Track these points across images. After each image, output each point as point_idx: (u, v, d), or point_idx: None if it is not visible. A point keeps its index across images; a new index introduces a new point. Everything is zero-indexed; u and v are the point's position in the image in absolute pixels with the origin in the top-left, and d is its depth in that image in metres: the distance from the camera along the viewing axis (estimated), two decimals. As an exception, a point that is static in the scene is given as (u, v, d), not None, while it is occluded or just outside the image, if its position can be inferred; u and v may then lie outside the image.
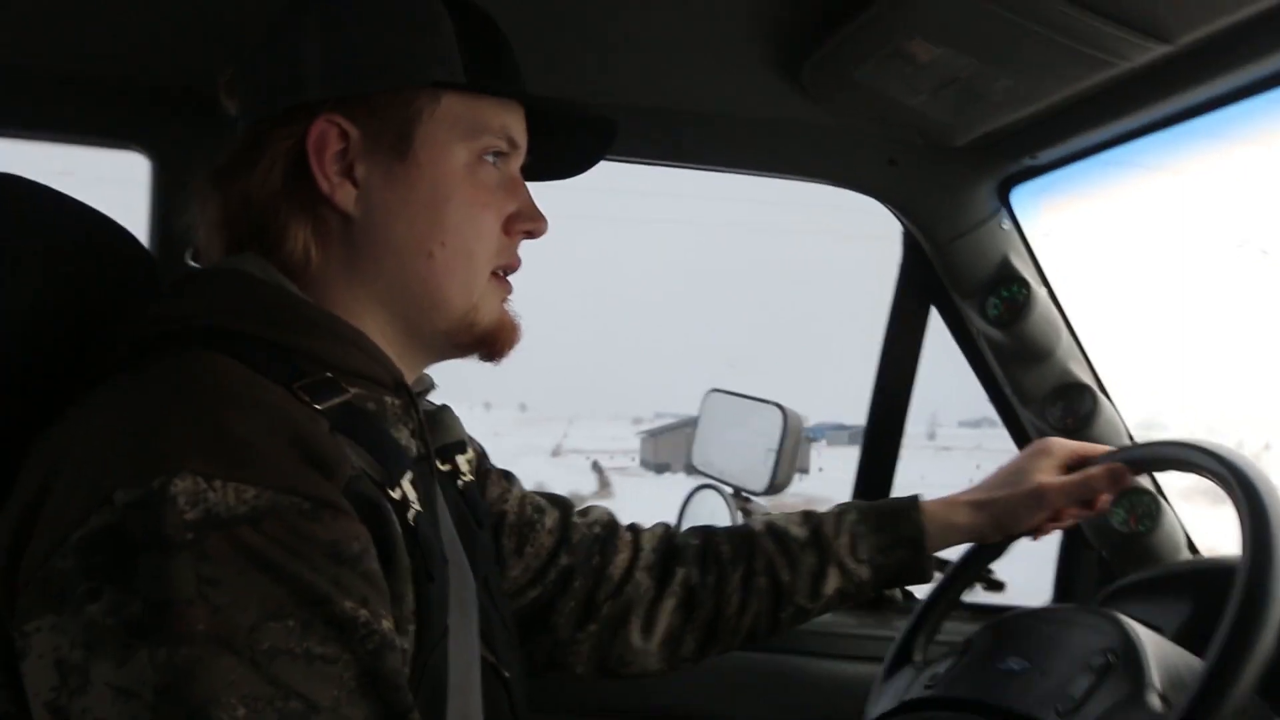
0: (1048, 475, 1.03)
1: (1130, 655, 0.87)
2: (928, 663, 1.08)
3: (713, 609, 1.01)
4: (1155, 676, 0.84)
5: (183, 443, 0.56)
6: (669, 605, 1.01)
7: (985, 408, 1.53)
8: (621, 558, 1.02)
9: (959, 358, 1.53)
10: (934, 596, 1.13)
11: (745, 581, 1.02)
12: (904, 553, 1.02)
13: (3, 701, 0.57)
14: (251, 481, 0.56)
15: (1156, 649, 0.89)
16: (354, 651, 0.56)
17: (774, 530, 1.04)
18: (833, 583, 1.02)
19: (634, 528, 1.06)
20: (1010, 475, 1.04)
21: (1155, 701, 0.82)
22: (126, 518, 0.54)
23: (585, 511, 1.06)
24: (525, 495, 1.02)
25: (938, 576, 1.11)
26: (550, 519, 1.01)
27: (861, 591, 1.03)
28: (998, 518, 1.03)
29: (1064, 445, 1.05)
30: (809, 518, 1.05)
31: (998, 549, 1.10)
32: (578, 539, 1.01)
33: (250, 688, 0.52)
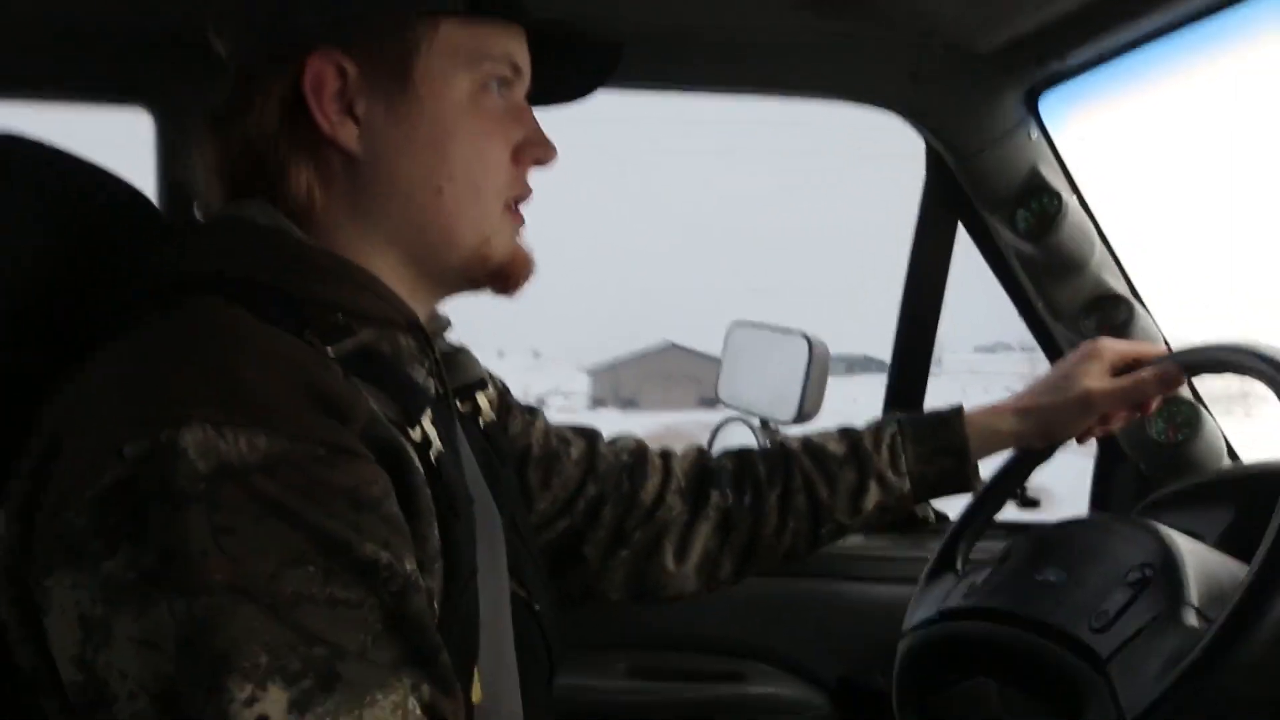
0: (1096, 380, 1.00)
1: (1168, 569, 0.86)
2: (967, 571, 1.07)
3: (750, 530, 1.01)
4: (1193, 591, 0.83)
5: (190, 393, 0.55)
6: (704, 529, 1.00)
7: (999, 332, 1.50)
8: (652, 483, 1.01)
9: (973, 280, 1.50)
10: (977, 502, 1.12)
11: (783, 501, 1.01)
12: (947, 461, 1.01)
13: (28, 654, 0.57)
14: (264, 429, 0.54)
15: (1196, 559, 0.87)
16: (378, 595, 0.55)
17: (811, 448, 1.03)
18: (873, 497, 1.01)
19: (665, 452, 1.05)
20: (1057, 380, 1.02)
21: (1191, 618, 0.81)
22: (137, 471, 0.53)
23: (613, 440, 1.05)
24: (550, 428, 1.01)
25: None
26: (576, 449, 1.00)
27: (903, 504, 1.02)
28: (1044, 424, 1.01)
29: (1113, 347, 1.03)
30: (846, 433, 1.04)
31: (1043, 455, 1.08)
32: (604, 468, 1.00)
33: (272, 635, 0.51)
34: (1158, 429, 1.39)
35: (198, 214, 0.81)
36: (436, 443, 0.68)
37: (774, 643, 1.48)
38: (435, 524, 0.65)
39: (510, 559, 0.77)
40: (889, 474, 1.00)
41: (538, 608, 0.81)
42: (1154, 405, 1.01)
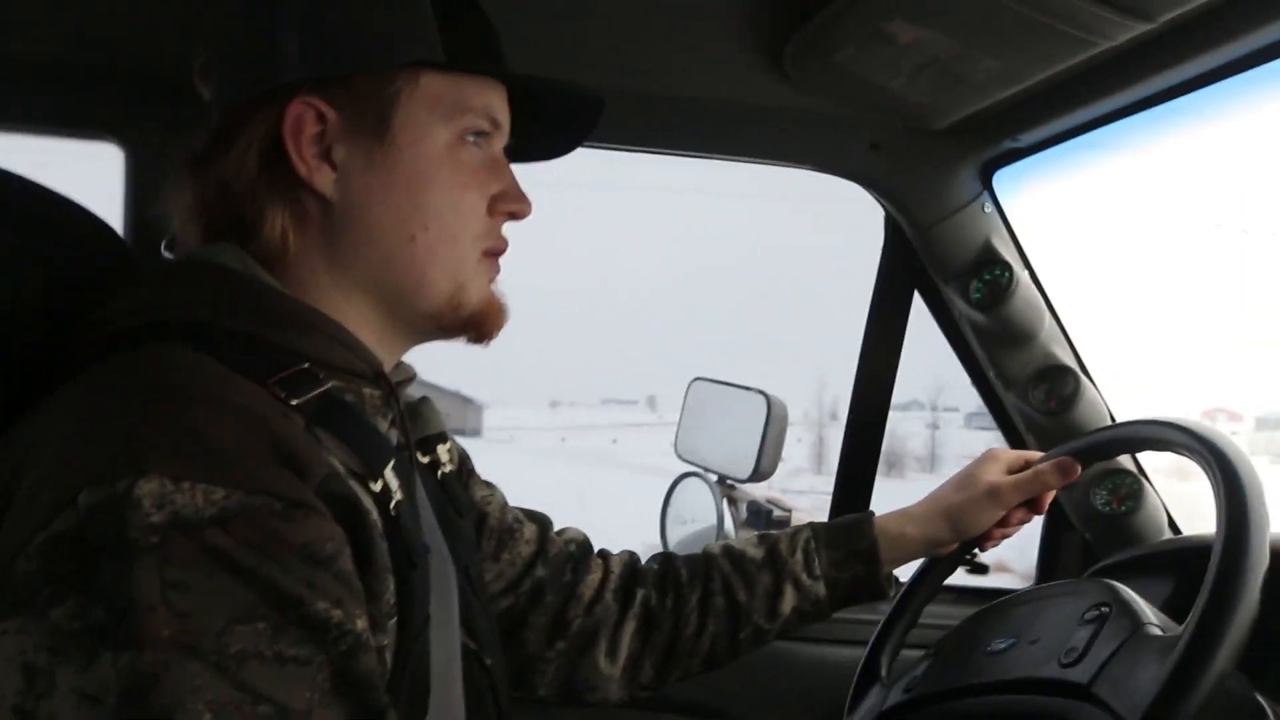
0: (998, 476, 1.05)
1: (1123, 603, 0.89)
2: (895, 679, 1.08)
3: (670, 631, 1.02)
4: (1152, 616, 0.86)
5: (149, 443, 0.55)
6: (630, 628, 1.01)
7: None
8: (593, 578, 1.02)
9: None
10: (894, 612, 1.13)
11: (703, 602, 1.02)
12: (859, 566, 1.03)
13: None
14: (221, 483, 0.54)
15: (1145, 601, 0.90)
16: (327, 653, 0.55)
17: (730, 552, 1.05)
18: (789, 601, 1.02)
19: (603, 553, 1.06)
20: (962, 481, 1.07)
21: (1157, 631, 0.84)
22: (90, 521, 0.52)
23: (561, 531, 1.06)
24: (506, 505, 1.02)
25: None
26: (529, 531, 1.01)
27: (819, 610, 1.04)
28: (953, 521, 1.04)
29: (1008, 452, 1.09)
30: (764, 538, 1.06)
31: (952, 562, 1.11)
32: (554, 553, 1.01)
33: (217, 693, 0.51)
34: (1102, 500, 1.43)
35: (165, 252, 0.81)
36: (397, 493, 0.68)
37: (727, 702, 1.47)
38: (391, 578, 0.64)
39: (462, 611, 0.77)
40: (804, 577, 1.02)
41: (489, 661, 0.81)
42: (1046, 500, 1.06)
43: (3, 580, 0.53)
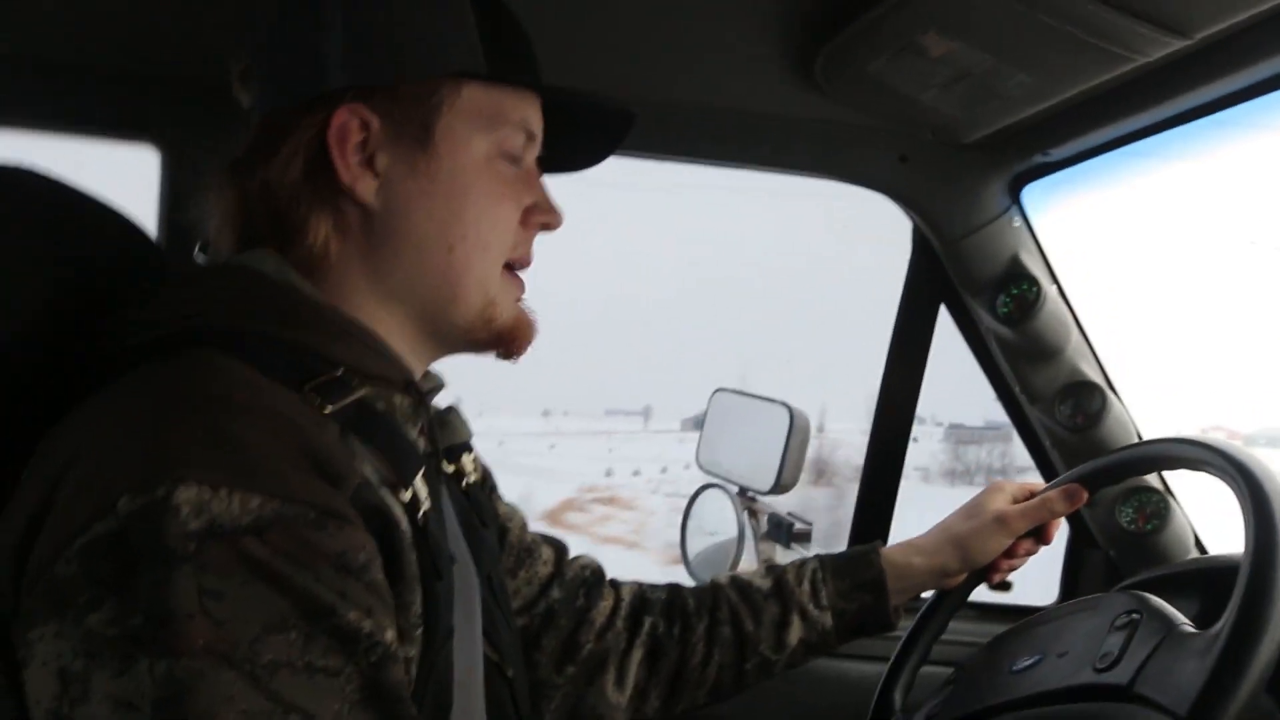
0: (1005, 505, 1.05)
1: (1153, 609, 0.88)
2: (914, 708, 1.07)
3: (677, 660, 1.02)
4: (1184, 618, 0.86)
5: (188, 450, 0.55)
6: (637, 656, 1.02)
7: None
8: (604, 605, 1.03)
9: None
10: (905, 646, 1.12)
11: (709, 632, 1.03)
12: (866, 597, 1.03)
13: (7, 709, 0.56)
14: (257, 490, 0.55)
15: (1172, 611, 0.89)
16: (357, 664, 0.55)
17: (738, 583, 1.05)
18: (796, 632, 1.02)
19: (614, 582, 1.07)
20: (969, 510, 1.07)
21: (1193, 629, 0.83)
22: (129, 526, 0.53)
23: (576, 558, 1.06)
24: (525, 526, 1.02)
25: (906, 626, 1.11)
26: (547, 553, 1.02)
27: (826, 641, 1.04)
28: (960, 550, 1.05)
29: (1011, 483, 1.10)
30: (772, 569, 1.06)
31: (961, 594, 1.10)
32: (570, 577, 1.02)
33: (249, 702, 0.51)
34: (1127, 517, 1.41)
35: (198, 257, 0.82)
36: (425, 502, 0.68)
37: (744, 717, 1.47)
38: (419, 588, 0.65)
39: (485, 622, 0.77)
40: (811, 608, 1.02)
41: (510, 673, 0.81)
42: (1053, 530, 1.06)
43: (42, 583, 0.53)
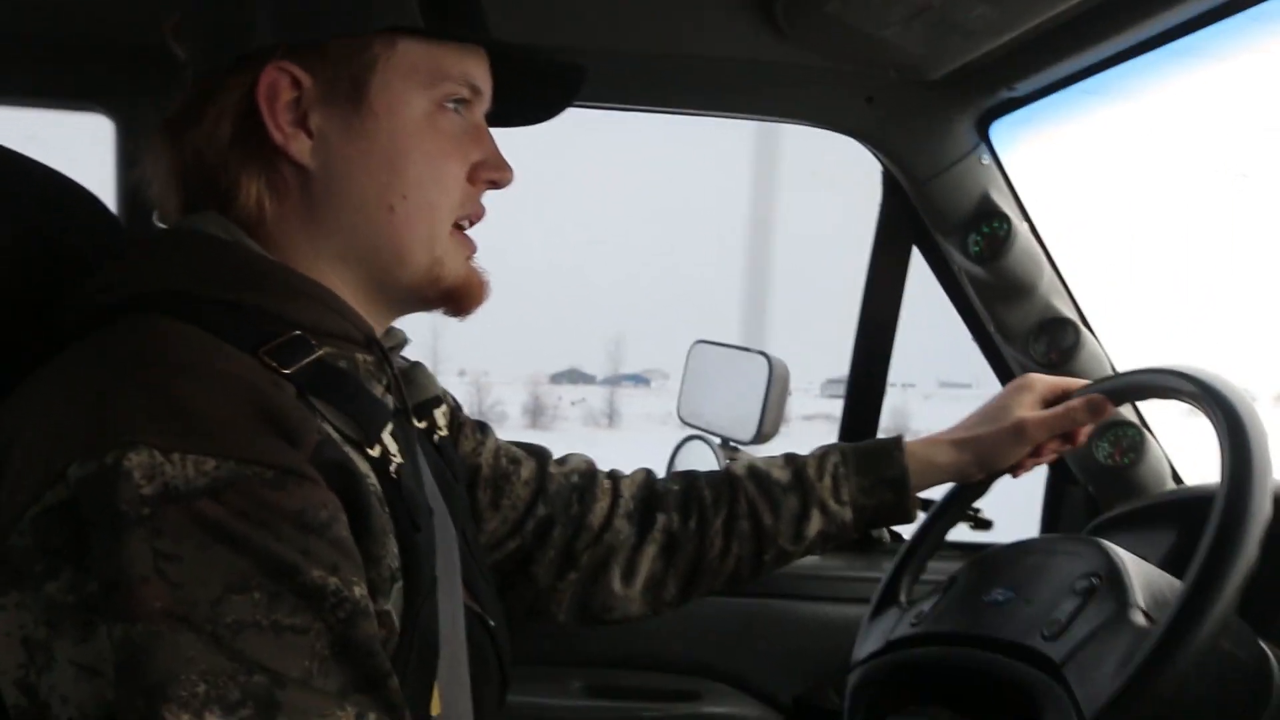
0: (1028, 410, 1.03)
1: (1114, 576, 0.88)
2: (913, 602, 1.08)
3: (694, 553, 1.01)
4: (1139, 595, 0.85)
5: (138, 415, 0.54)
6: (650, 551, 1.01)
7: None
8: (600, 505, 1.01)
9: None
10: (918, 536, 1.13)
11: (727, 525, 1.01)
12: (887, 493, 1.02)
13: None
14: (211, 453, 0.54)
15: (1140, 571, 0.89)
16: (325, 620, 0.55)
17: (756, 474, 1.03)
18: (815, 525, 1.01)
19: (614, 474, 1.05)
20: (991, 412, 1.05)
21: (1140, 618, 0.83)
22: (80, 493, 0.52)
23: (563, 460, 1.05)
24: (500, 447, 1.01)
25: (921, 516, 1.11)
26: (526, 470, 1.00)
27: (844, 533, 1.03)
28: (980, 455, 1.03)
29: (1043, 380, 1.06)
30: (791, 460, 1.05)
31: (981, 487, 1.10)
32: (554, 489, 1.01)
33: (210, 663, 0.51)
34: (1104, 453, 1.42)
35: (156, 222, 0.80)
36: (398, 457, 0.68)
37: (729, 662, 1.48)
38: (393, 541, 0.64)
39: (463, 573, 0.77)
40: (831, 502, 1.02)
41: (492, 623, 0.81)
42: (1083, 435, 1.04)
43: None
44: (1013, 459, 1.03)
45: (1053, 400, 1.04)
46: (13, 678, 0.52)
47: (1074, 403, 1.02)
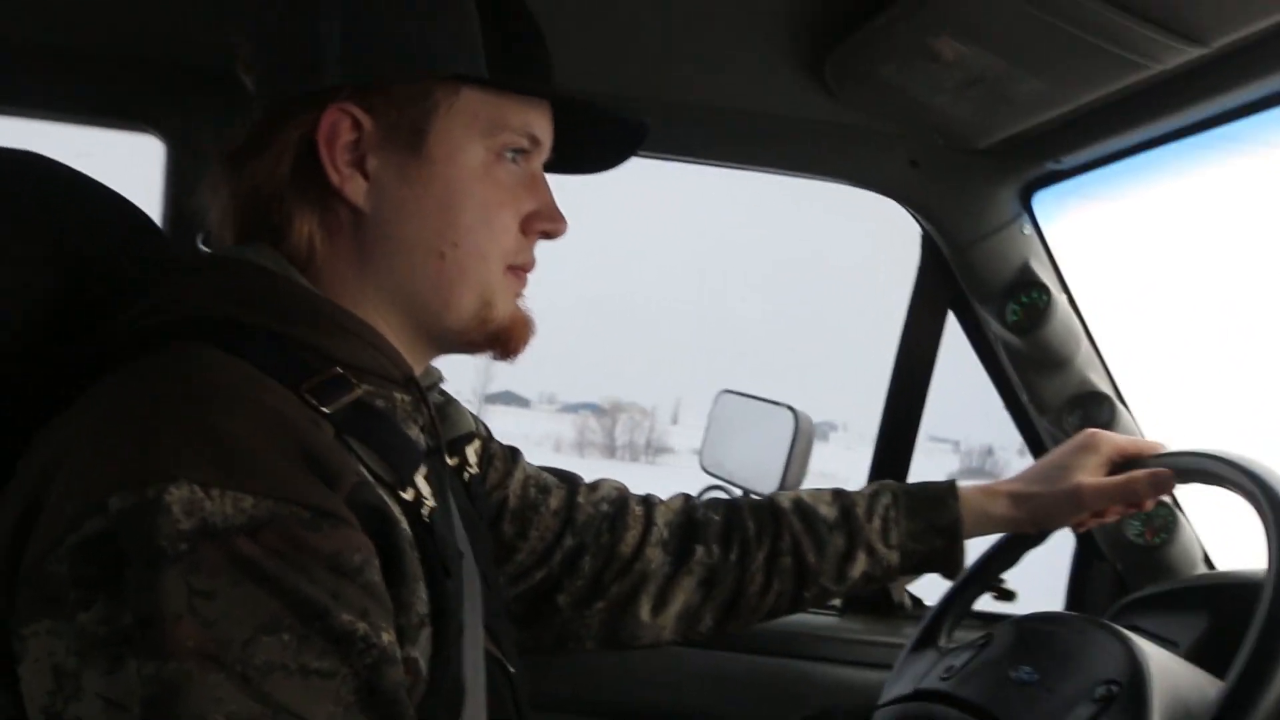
0: (1089, 475, 1.00)
1: (1135, 688, 0.85)
2: (950, 649, 1.06)
3: (734, 588, 0.99)
4: (1156, 715, 0.82)
5: (179, 449, 0.54)
6: (687, 583, 0.99)
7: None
8: (632, 535, 1.00)
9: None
10: (968, 579, 1.11)
11: (769, 562, 0.99)
12: (937, 540, 1.00)
13: (5, 706, 0.56)
14: (250, 490, 0.54)
15: (1165, 677, 0.87)
16: (352, 666, 0.54)
17: (802, 508, 1.01)
18: (860, 566, 0.99)
19: (648, 501, 1.03)
20: (1051, 469, 1.02)
21: None
22: (120, 525, 0.52)
23: (594, 486, 1.03)
24: (529, 476, 1.00)
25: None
26: (555, 499, 0.99)
27: (888, 576, 1.01)
28: (1034, 513, 1.01)
29: (1110, 442, 1.02)
30: (839, 496, 1.02)
31: (1035, 539, 1.08)
32: (583, 519, 0.99)
33: (238, 705, 0.50)
34: (1135, 531, 1.40)
35: (200, 245, 0.81)
36: (430, 500, 0.67)
37: (743, 719, 1.46)
38: (423, 587, 0.63)
39: (485, 617, 0.76)
40: (879, 545, 0.99)
41: (511, 669, 0.80)
42: (1148, 504, 1.00)
43: (34, 580, 0.53)
44: (1068, 522, 1.01)
45: (1118, 463, 1.01)
46: (40, 705, 0.52)
47: (1138, 475, 0.98)
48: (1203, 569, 1.40)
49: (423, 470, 0.68)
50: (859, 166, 1.36)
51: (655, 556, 0.99)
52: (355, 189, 0.70)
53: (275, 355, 0.64)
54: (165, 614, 0.50)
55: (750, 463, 1.62)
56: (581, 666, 1.42)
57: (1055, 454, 1.04)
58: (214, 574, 0.52)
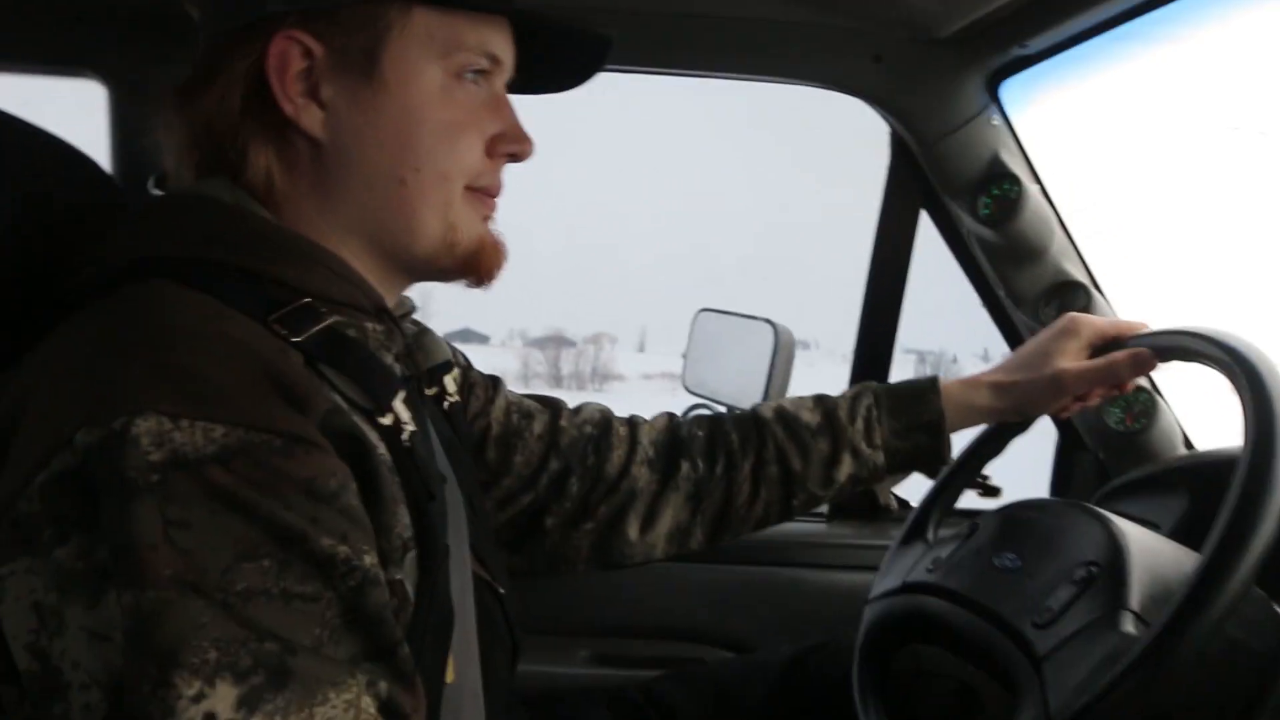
0: (1070, 359, 1.00)
1: (1114, 570, 0.86)
2: (938, 541, 1.07)
3: (721, 500, 1.00)
4: (1134, 595, 0.83)
5: (146, 382, 0.54)
6: (674, 499, 0.99)
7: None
8: (617, 455, 1.00)
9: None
10: (954, 471, 1.11)
11: (755, 471, 1.00)
12: (922, 437, 1.00)
13: None
14: (220, 419, 0.53)
15: (1145, 556, 0.87)
16: (335, 589, 0.54)
17: (784, 416, 1.01)
18: (846, 469, 1.00)
19: (632, 421, 1.04)
20: (1032, 356, 1.02)
21: (1129, 624, 0.81)
22: (88, 460, 0.52)
23: (577, 411, 1.03)
24: (511, 402, 1.00)
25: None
26: (539, 424, 0.99)
27: (875, 476, 1.01)
28: (1018, 401, 1.01)
29: (1090, 325, 1.02)
30: (821, 401, 1.02)
31: (1020, 427, 1.08)
32: (567, 442, 0.99)
33: (221, 630, 0.50)
34: (1115, 418, 1.40)
35: (153, 188, 0.79)
36: (410, 424, 0.67)
37: (736, 629, 1.48)
38: (404, 509, 0.63)
39: (471, 540, 0.77)
40: (863, 446, 0.99)
41: (501, 590, 0.81)
42: (1129, 386, 1.00)
43: (7, 522, 0.53)
44: (1052, 407, 1.01)
45: (1098, 346, 1.01)
46: (24, 642, 0.52)
47: (1118, 356, 0.98)
48: (1183, 451, 1.41)
49: (400, 395, 0.67)
50: (822, 66, 1.33)
51: (641, 475, 0.99)
52: (311, 119, 0.68)
53: (240, 289, 0.63)
54: (141, 544, 0.50)
55: (733, 379, 1.61)
56: (570, 585, 1.43)
57: (1036, 340, 1.03)
58: (188, 504, 0.51)
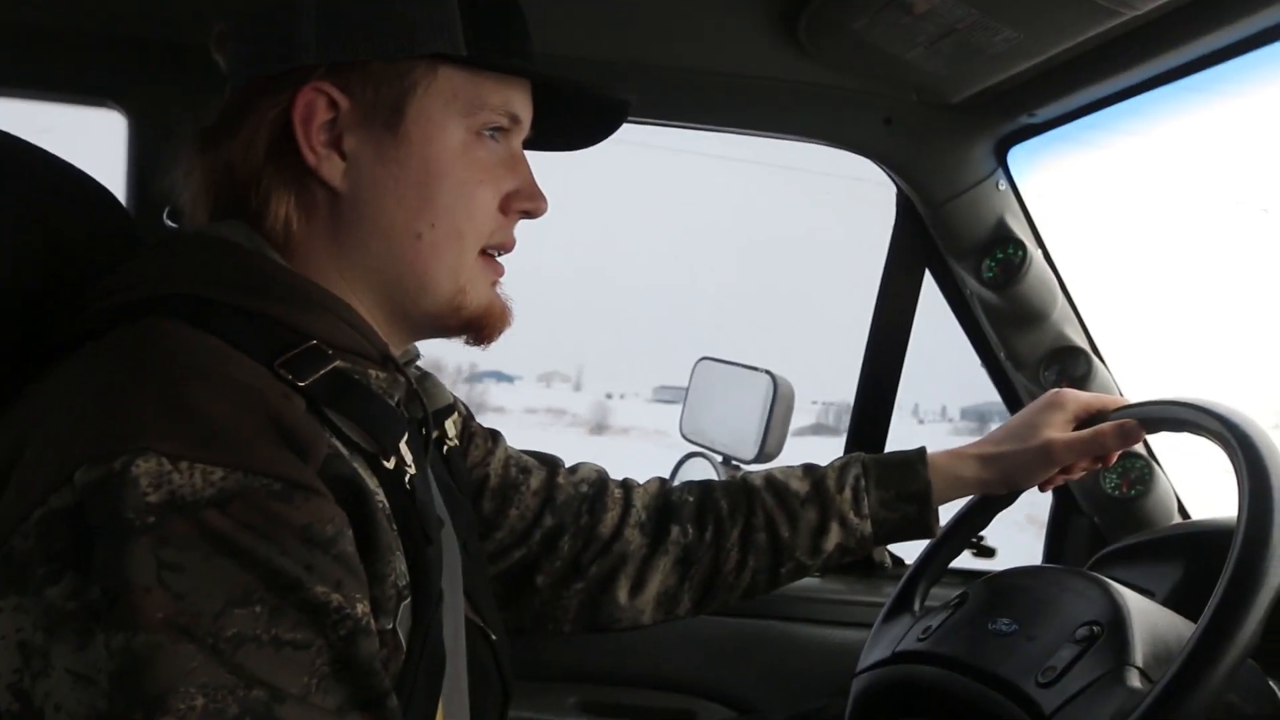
0: (1057, 430, 1.01)
1: (1116, 627, 0.86)
2: (924, 612, 1.07)
3: (710, 567, 1.00)
4: (1138, 652, 0.83)
5: (147, 422, 0.54)
6: (663, 563, 1.00)
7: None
8: (611, 516, 1.00)
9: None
10: (938, 543, 1.11)
11: (744, 538, 1.00)
12: (909, 507, 1.00)
13: None
14: (219, 463, 0.53)
15: (1144, 618, 0.88)
16: (326, 637, 0.54)
17: (773, 485, 1.02)
18: (834, 538, 1.00)
19: (626, 484, 1.04)
20: (1019, 429, 1.03)
21: (1135, 679, 0.81)
22: (86, 499, 0.51)
23: (574, 469, 1.04)
24: (510, 456, 1.00)
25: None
26: (535, 479, 1.00)
27: (863, 546, 1.02)
28: (1005, 473, 1.02)
29: (1076, 399, 1.03)
30: (810, 471, 1.03)
31: (1005, 500, 1.08)
32: (563, 499, 1.00)
33: (210, 676, 0.50)
34: (1111, 484, 1.41)
35: (167, 220, 0.79)
36: (410, 468, 0.67)
37: (727, 682, 1.47)
38: (400, 559, 0.63)
39: (465, 585, 0.76)
40: (851, 516, 1.00)
41: (494, 636, 0.80)
42: (1113, 457, 1.02)
43: (0, 557, 0.52)
44: (1038, 479, 1.02)
45: (1085, 419, 1.02)
46: (7, 682, 0.51)
47: (1105, 427, 1.00)
48: (1178, 519, 1.41)
49: (404, 439, 0.68)
50: (833, 125, 1.36)
51: (634, 538, 1.00)
52: (332, 169, 0.69)
53: (247, 331, 0.63)
54: (134, 586, 0.50)
55: (730, 429, 1.62)
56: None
57: (1023, 414, 1.05)
58: (183, 547, 0.51)
